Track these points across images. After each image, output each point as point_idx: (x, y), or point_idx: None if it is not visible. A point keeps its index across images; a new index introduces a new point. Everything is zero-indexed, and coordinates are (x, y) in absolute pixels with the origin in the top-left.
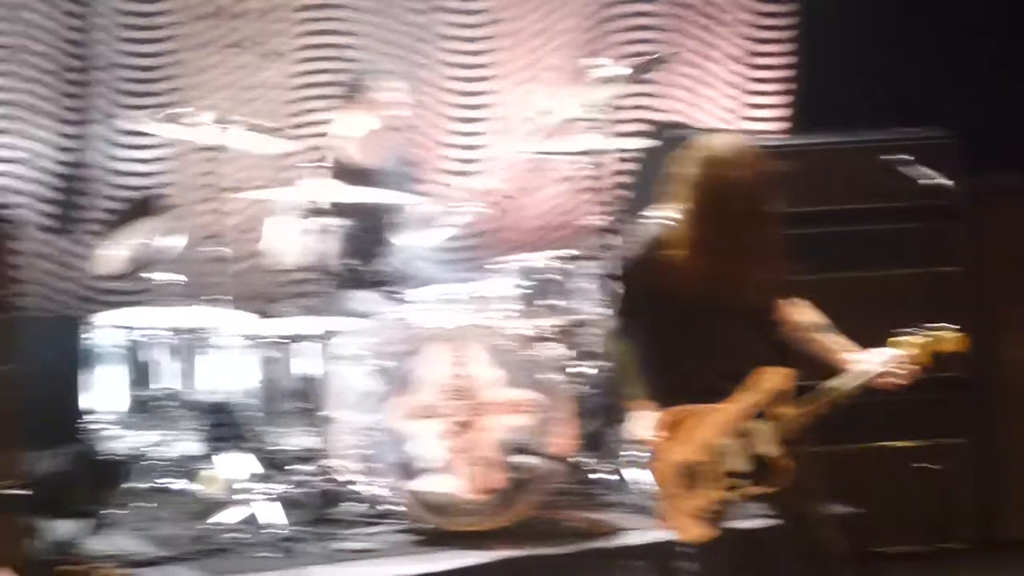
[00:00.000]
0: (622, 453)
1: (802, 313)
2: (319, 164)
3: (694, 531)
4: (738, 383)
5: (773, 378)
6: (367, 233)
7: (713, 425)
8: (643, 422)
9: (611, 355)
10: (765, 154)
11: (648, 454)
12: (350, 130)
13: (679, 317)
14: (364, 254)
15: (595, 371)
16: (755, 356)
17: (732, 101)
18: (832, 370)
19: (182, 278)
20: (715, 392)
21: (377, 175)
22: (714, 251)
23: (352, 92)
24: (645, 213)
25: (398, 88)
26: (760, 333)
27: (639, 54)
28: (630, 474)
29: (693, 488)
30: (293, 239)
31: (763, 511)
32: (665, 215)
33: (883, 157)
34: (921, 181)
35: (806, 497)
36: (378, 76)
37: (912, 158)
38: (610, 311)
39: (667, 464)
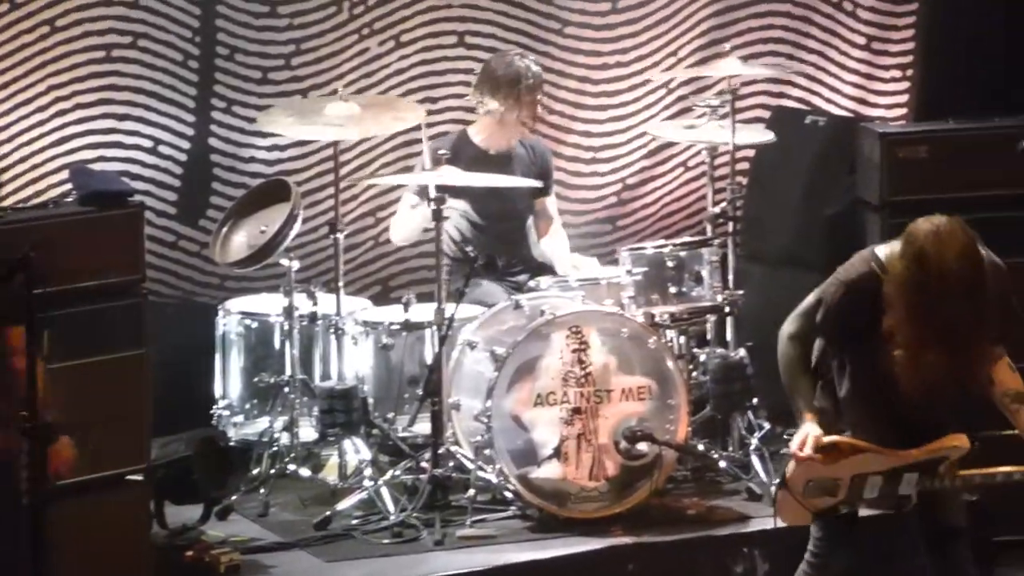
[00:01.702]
0: (747, 441)
1: (1009, 377)
2: (444, 152)
3: (798, 519)
4: (918, 441)
5: (951, 445)
6: (488, 220)
7: (871, 462)
8: (803, 438)
9: (787, 356)
10: (972, 233)
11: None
12: (481, 118)
13: (882, 372)
14: (485, 241)
15: (712, 358)
16: (944, 427)
17: (854, 88)
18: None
19: (301, 265)
20: (894, 441)
21: (502, 162)
22: (932, 348)
23: (491, 84)
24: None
25: (539, 87)
26: (956, 403)
27: (766, 40)
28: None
29: (820, 497)
30: (414, 225)
31: None
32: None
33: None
34: None
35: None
36: (522, 74)
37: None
38: (808, 312)
39: (806, 473)
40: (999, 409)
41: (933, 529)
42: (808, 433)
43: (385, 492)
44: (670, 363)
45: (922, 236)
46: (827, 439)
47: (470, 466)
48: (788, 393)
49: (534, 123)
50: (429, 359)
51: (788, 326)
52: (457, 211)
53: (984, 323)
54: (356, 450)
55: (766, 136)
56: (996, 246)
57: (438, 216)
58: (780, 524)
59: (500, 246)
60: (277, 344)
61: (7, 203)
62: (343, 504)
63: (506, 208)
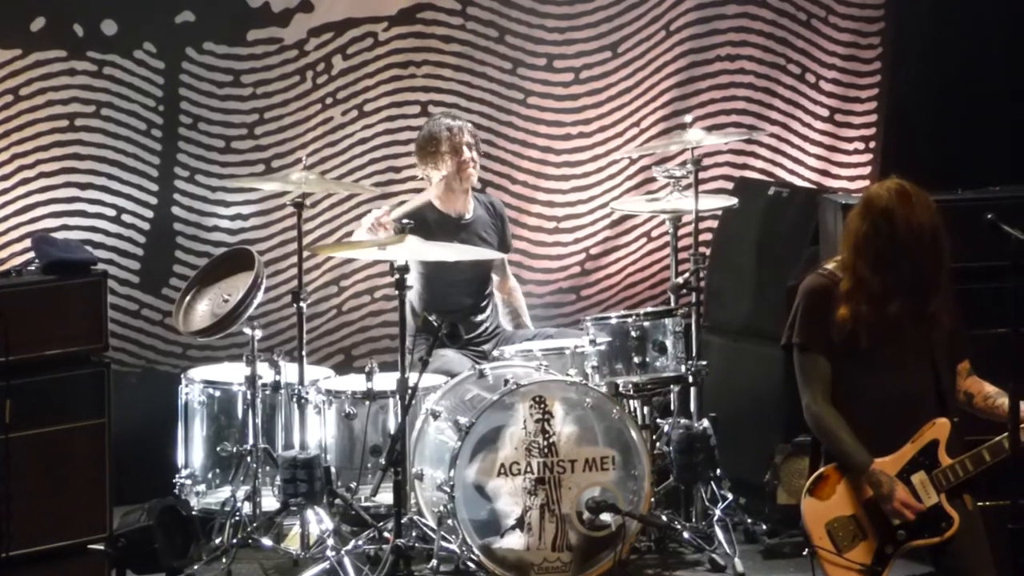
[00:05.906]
0: (710, 512)
1: (982, 385)
2: (408, 221)
3: None
4: (907, 433)
5: (933, 428)
6: (451, 288)
7: None
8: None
9: (815, 421)
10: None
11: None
12: (433, 185)
13: (859, 369)
14: (448, 310)
15: (676, 429)
16: (926, 405)
17: (817, 159)
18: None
19: (264, 333)
20: (886, 442)
21: (463, 224)
22: (902, 294)
23: (420, 153)
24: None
25: (460, 145)
26: (933, 378)
27: (728, 111)
28: (715, 533)
29: (853, 542)
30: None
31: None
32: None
33: (988, 216)
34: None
35: (969, 550)
36: (437, 135)
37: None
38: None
39: (823, 521)
40: (984, 418)
41: None
42: (893, 489)
43: (348, 562)
44: (633, 433)
45: (885, 195)
46: (815, 474)
47: (433, 536)
48: (838, 458)
49: (469, 182)
50: (392, 428)
51: (803, 397)
52: (416, 281)
53: (944, 268)
54: (319, 520)
55: (729, 201)
56: (964, 319)
57: (401, 286)
58: None
59: (459, 313)
60: (240, 413)
61: None
62: (306, 574)
63: (476, 271)
